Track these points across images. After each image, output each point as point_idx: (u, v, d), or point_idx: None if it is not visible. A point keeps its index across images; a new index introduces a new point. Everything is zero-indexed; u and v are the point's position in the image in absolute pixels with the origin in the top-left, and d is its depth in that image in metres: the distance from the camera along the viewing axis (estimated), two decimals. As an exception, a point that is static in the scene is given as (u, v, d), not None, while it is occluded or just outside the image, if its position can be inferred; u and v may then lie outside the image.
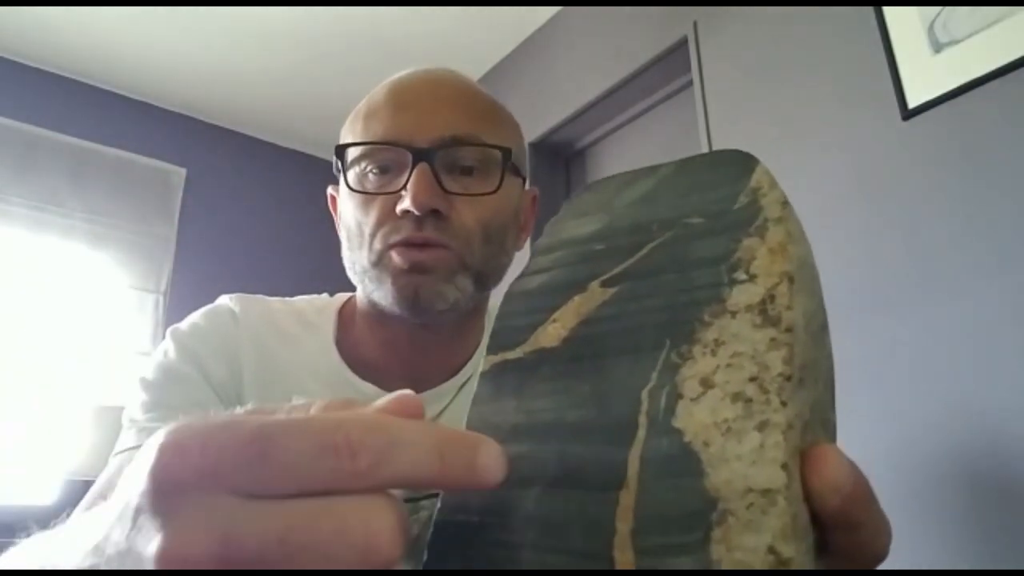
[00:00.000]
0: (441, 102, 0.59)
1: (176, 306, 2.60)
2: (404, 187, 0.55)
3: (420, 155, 0.55)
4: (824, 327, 0.24)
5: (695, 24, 1.79)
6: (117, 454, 0.55)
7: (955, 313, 1.17)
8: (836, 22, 1.46)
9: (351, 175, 0.59)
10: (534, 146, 2.25)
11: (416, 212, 0.54)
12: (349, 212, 0.59)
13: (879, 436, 1.22)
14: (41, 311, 2.37)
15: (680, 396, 0.21)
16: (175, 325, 0.61)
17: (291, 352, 0.60)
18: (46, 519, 0.30)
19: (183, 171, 2.81)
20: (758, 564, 0.17)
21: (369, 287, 0.58)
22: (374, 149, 0.57)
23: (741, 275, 0.22)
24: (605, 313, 0.24)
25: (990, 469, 1.09)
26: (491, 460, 0.21)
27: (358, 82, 2.66)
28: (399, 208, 0.55)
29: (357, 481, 0.19)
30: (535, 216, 0.68)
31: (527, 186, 0.67)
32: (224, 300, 0.63)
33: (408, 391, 0.23)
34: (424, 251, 0.55)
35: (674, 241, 0.24)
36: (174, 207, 2.76)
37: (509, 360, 0.26)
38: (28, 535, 0.29)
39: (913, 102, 1.28)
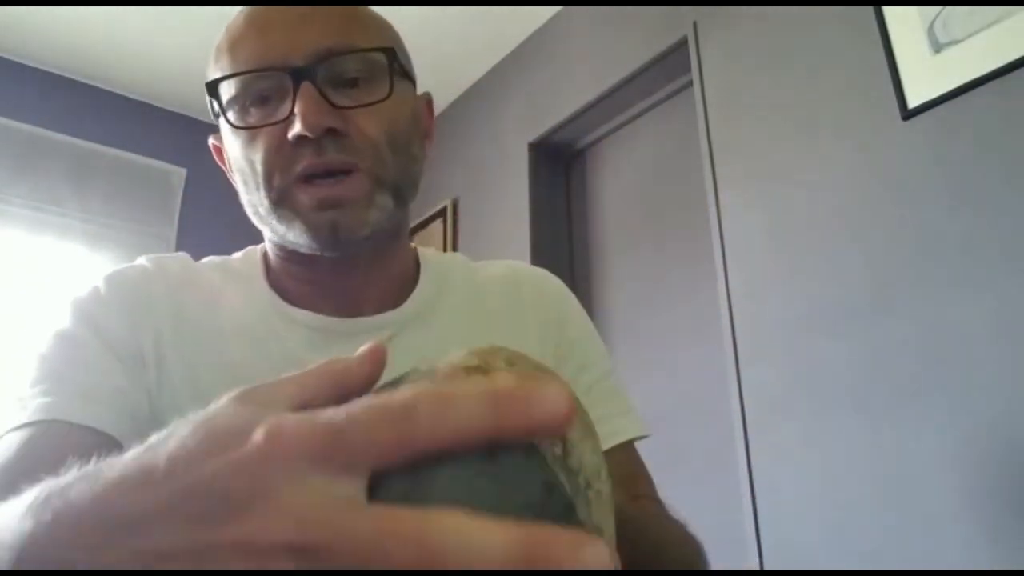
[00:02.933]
0: (307, 15, 0.53)
1: (176, 306, 2.59)
2: (292, 113, 0.50)
3: (299, 74, 0.50)
4: None
5: (695, 24, 1.79)
6: (5, 434, 0.49)
7: (955, 313, 1.17)
8: (836, 22, 1.46)
9: (231, 115, 0.54)
10: (534, 146, 2.25)
11: (310, 135, 0.49)
12: (238, 153, 0.55)
13: (876, 437, 1.22)
14: (41, 311, 2.37)
15: None
16: (75, 294, 0.57)
17: (219, 297, 0.57)
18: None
19: (183, 171, 2.80)
20: None
21: (279, 228, 0.54)
22: (248, 79, 0.52)
23: None
24: None
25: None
26: (551, 405, 0.20)
27: (358, 82, 2.66)
28: (291, 135, 0.50)
29: (419, 442, 0.20)
30: (433, 120, 0.64)
31: (418, 90, 0.62)
32: (138, 260, 0.60)
33: (375, 344, 0.27)
34: (335, 186, 0.51)
35: None
36: (174, 207, 2.75)
37: None
38: None
39: (913, 102, 1.28)
